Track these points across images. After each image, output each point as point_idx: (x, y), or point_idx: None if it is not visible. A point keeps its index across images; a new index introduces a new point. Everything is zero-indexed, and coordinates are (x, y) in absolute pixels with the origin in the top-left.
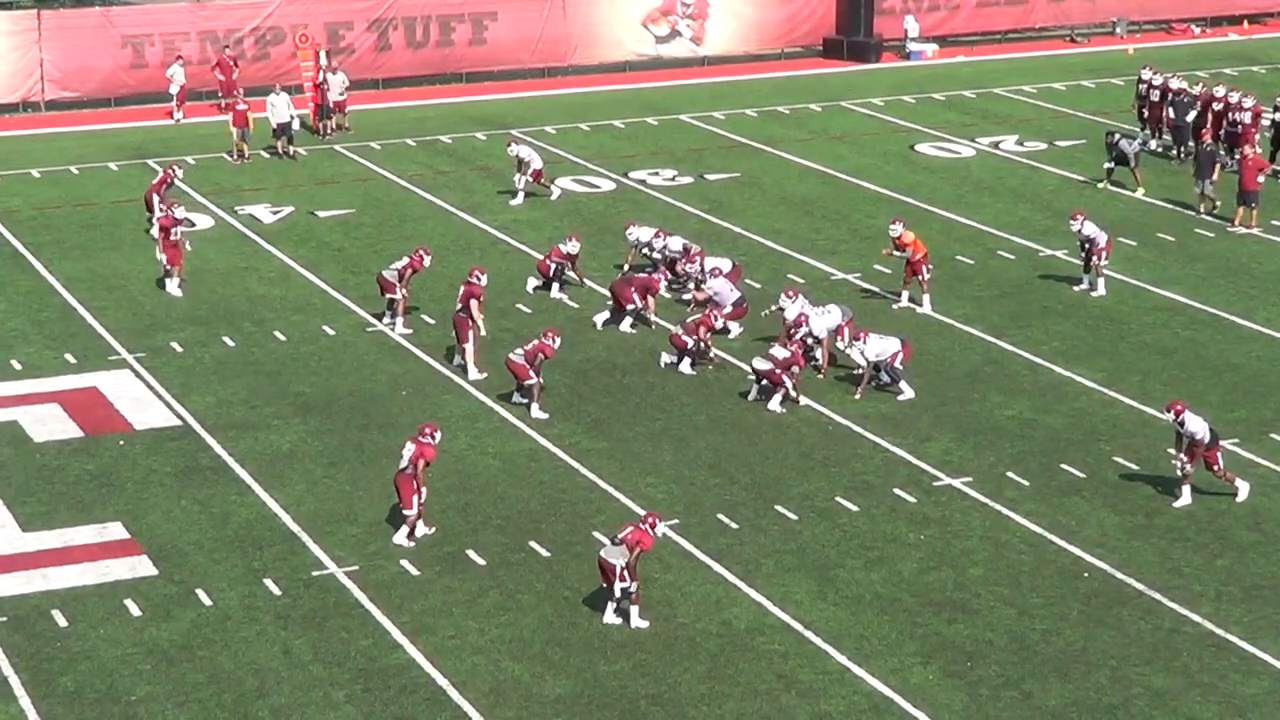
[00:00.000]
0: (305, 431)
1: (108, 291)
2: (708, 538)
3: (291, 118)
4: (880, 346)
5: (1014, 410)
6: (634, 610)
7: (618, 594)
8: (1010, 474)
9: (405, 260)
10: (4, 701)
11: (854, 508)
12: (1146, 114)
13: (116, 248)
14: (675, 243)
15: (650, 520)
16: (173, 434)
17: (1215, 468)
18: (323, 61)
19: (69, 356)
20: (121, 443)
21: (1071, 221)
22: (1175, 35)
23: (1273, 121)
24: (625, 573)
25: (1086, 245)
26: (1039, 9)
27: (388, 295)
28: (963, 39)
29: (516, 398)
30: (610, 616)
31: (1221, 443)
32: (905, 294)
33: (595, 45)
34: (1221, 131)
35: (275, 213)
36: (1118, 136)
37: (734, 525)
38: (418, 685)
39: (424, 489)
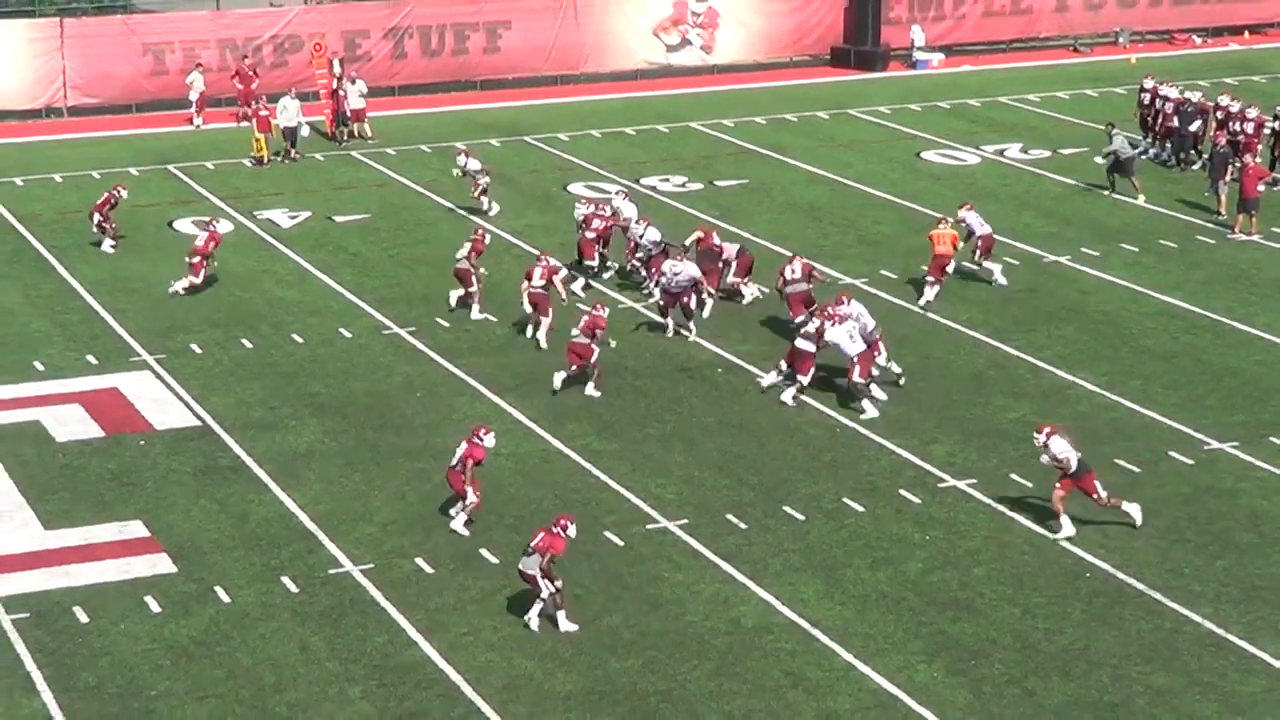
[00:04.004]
0: (322, 432)
1: (129, 294)
2: (717, 538)
3: (300, 123)
4: (841, 338)
5: (1018, 413)
6: (561, 614)
7: (544, 599)
8: (1014, 476)
9: (468, 246)
10: (27, 696)
11: (860, 508)
12: (1150, 122)
13: (137, 251)
14: (653, 234)
15: (561, 523)
16: (192, 434)
17: (1095, 496)
18: (337, 70)
19: (90, 358)
20: (142, 442)
21: (961, 210)
22: (1177, 45)
23: (1272, 130)
24: (543, 579)
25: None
26: (1043, 19)
27: (466, 287)
28: (968, 48)
29: (590, 389)
30: (534, 621)
31: (1093, 471)
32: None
33: (607, 54)
34: (1225, 139)
35: (293, 217)
36: (1116, 129)
37: (743, 525)
38: (432, 681)
39: (470, 487)
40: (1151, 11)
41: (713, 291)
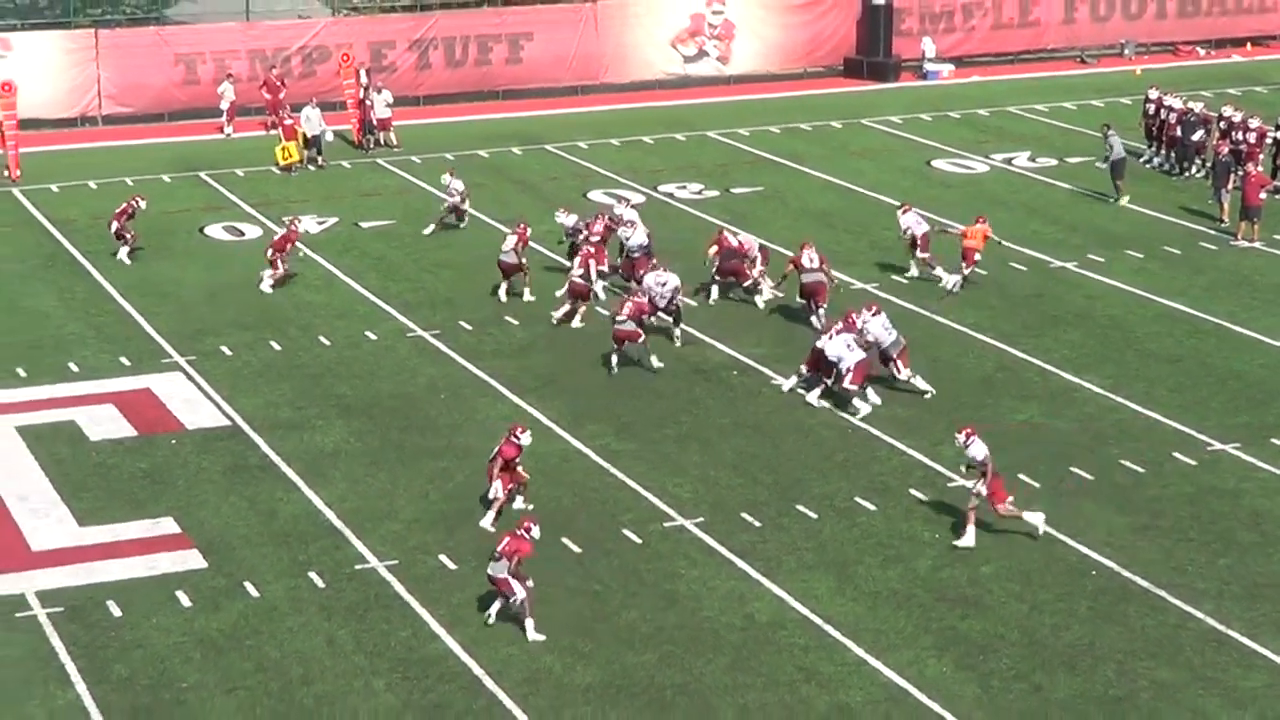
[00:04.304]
0: (348, 432)
1: (160, 298)
2: (732, 535)
3: (322, 131)
4: (840, 349)
5: (1025, 415)
6: (530, 623)
7: (515, 604)
8: (1022, 476)
9: (515, 238)
10: (61, 688)
11: (872, 507)
12: (1155, 132)
13: (169, 256)
14: (640, 237)
15: (525, 525)
16: (222, 434)
17: (999, 505)
18: (364, 79)
19: (123, 359)
20: (173, 442)
21: (900, 212)
22: (1181, 56)
23: (1274, 139)
24: (512, 584)
25: (906, 234)
26: (1050, 31)
27: (510, 278)
28: (978, 60)
29: (653, 361)
30: (493, 618)
31: (1002, 479)
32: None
33: (626, 65)
34: (1227, 149)
35: (320, 223)
36: (1113, 131)
37: (757, 524)
38: (454, 674)
39: (498, 482)
40: (1156, 24)
41: (755, 279)
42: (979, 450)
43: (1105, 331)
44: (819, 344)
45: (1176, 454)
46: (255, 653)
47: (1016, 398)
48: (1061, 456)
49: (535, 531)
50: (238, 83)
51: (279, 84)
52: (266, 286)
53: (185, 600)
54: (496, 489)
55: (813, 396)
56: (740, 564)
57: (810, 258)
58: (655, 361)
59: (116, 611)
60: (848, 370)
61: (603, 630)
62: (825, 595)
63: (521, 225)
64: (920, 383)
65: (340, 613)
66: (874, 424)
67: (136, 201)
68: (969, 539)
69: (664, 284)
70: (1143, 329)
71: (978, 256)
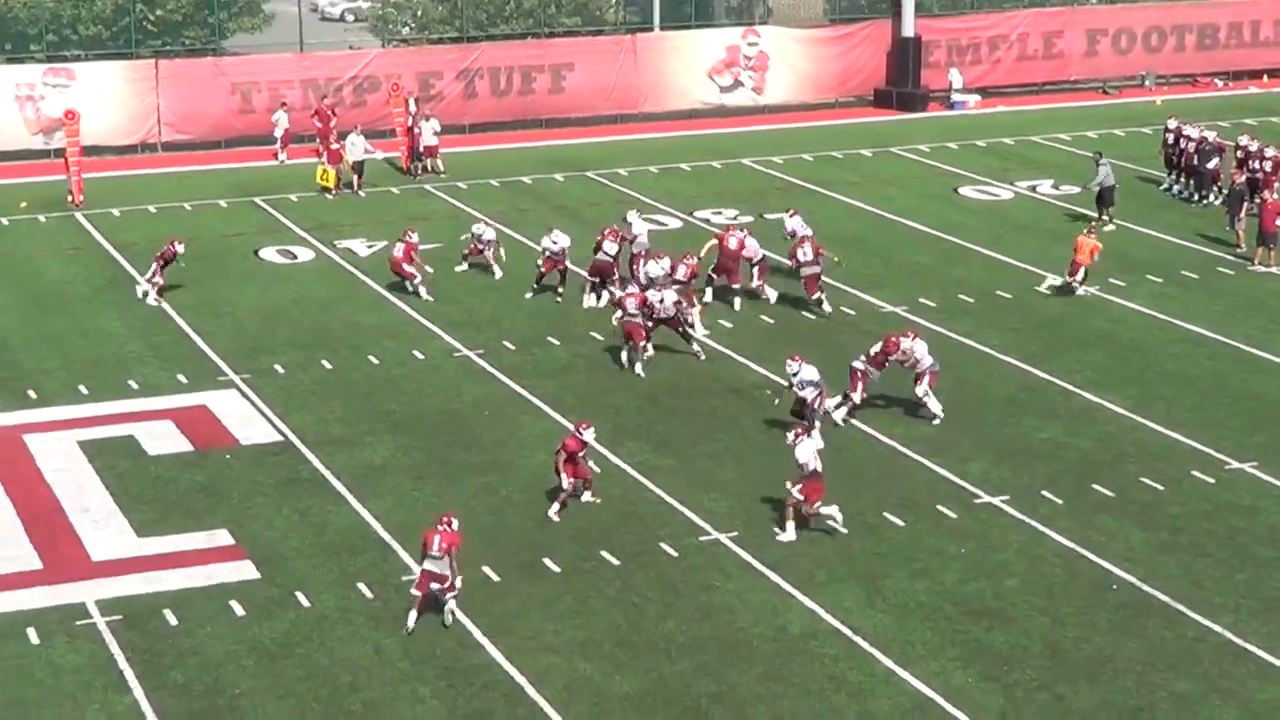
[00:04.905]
0: (396, 447)
1: (216, 318)
2: (765, 549)
3: (366, 153)
4: (812, 375)
5: (1048, 433)
6: (452, 604)
7: (447, 596)
8: (1045, 493)
9: (614, 244)
10: (119, 693)
11: (900, 523)
12: (1175, 160)
13: (225, 277)
14: (653, 261)
15: (445, 520)
16: (275, 449)
17: (812, 504)
18: (412, 108)
19: (181, 377)
20: (228, 457)
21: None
22: (1200, 88)
23: None
24: (453, 578)
25: (791, 236)
26: (1074, 63)
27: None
28: (1003, 90)
29: (639, 369)
30: (449, 618)
31: (821, 482)
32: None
33: (664, 94)
34: (1243, 178)
35: (370, 246)
36: (1103, 159)
37: (790, 538)
38: (497, 682)
39: (563, 473)
40: (1176, 56)
41: (735, 288)
42: (804, 453)
43: (1126, 353)
44: (854, 364)
45: (1195, 472)
46: (306, 660)
47: (1039, 417)
48: (1083, 474)
49: (456, 524)
50: (291, 111)
51: (330, 113)
52: (424, 291)
53: (239, 609)
54: (563, 482)
55: (839, 414)
56: (773, 577)
57: (805, 253)
58: (640, 370)
59: (173, 620)
60: (820, 393)
61: (640, 640)
62: (855, 607)
63: (612, 230)
64: (933, 404)
65: (388, 622)
66: (902, 442)
67: (175, 246)
68: (790, 534)
69: (661, 300)
70: (1162, 351)
71: (1082, 272)
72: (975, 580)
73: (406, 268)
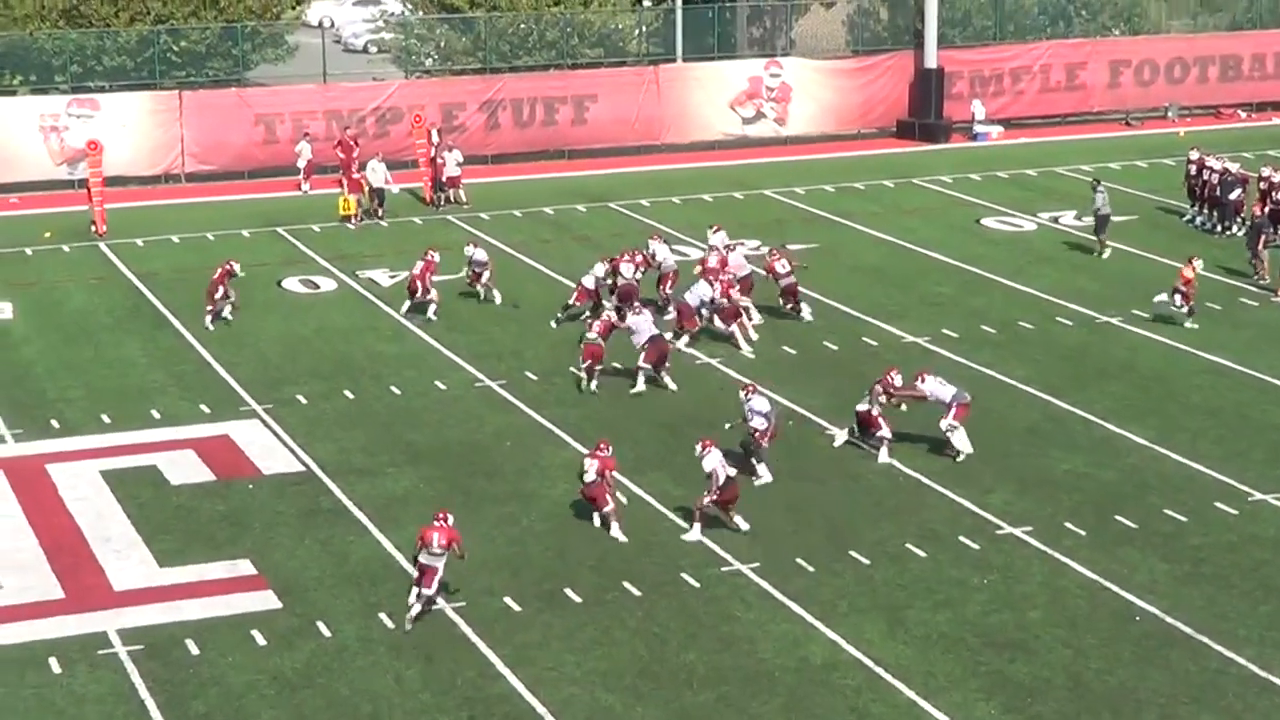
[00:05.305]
0: (417, 478)
1: (239, 348)
2: (787, 580)
3: (386, 183)
4: (763, 406)
5: (1071, 465)
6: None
7: (433, 592)
8: (1068, 524)
9: (632, 266)
10: None
11: (922, 553)
12: (1198, 191)
13: (247, 307)
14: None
15: (442, 514)
16: (297, 479)
17: (728, 512)
18: (435, 139)
19: (203, 407)
20: (250, 486)
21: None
22: (1223, 119)
23: None
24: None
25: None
26: (1097, 94)
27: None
28: (1026, 121)
29: (594, 386)
30: (418, 608)
31: (736, 489)
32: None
33: (687, 126)
34: (1264, 210)
35: (392, 276)
36: (1101, 187)
37: (811, 568)
38: (519, 713)
39: (611, 495)
40: (1199, 87)
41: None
42: (711, 463)
43: (1148, 384)
44: (860, 408)
45: (1218, 504)
46: (327, 690)
47: (1062, 448)
48: (1106, 505)
49: (451, 519)
50: (314, 142)
51: (353, 143)
52: (432, 314)
53: (260, 639)
54: (621, 498)
55: (883, 455)
56: (795, 608)
57: (783, 265)
58: (594, 386)
59: (195, 650)
60: (762, 433)
61: (662, 671)
62: (877, 639)
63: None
64: (958, 440)
65: (409, 652)
66: (923, 473)
67: (232, 265)
68: (695, 534)
69: (634, 333)
70: (1185, 382)
71: (1182, 291)
72: (998, 612)
73: (420, 284)
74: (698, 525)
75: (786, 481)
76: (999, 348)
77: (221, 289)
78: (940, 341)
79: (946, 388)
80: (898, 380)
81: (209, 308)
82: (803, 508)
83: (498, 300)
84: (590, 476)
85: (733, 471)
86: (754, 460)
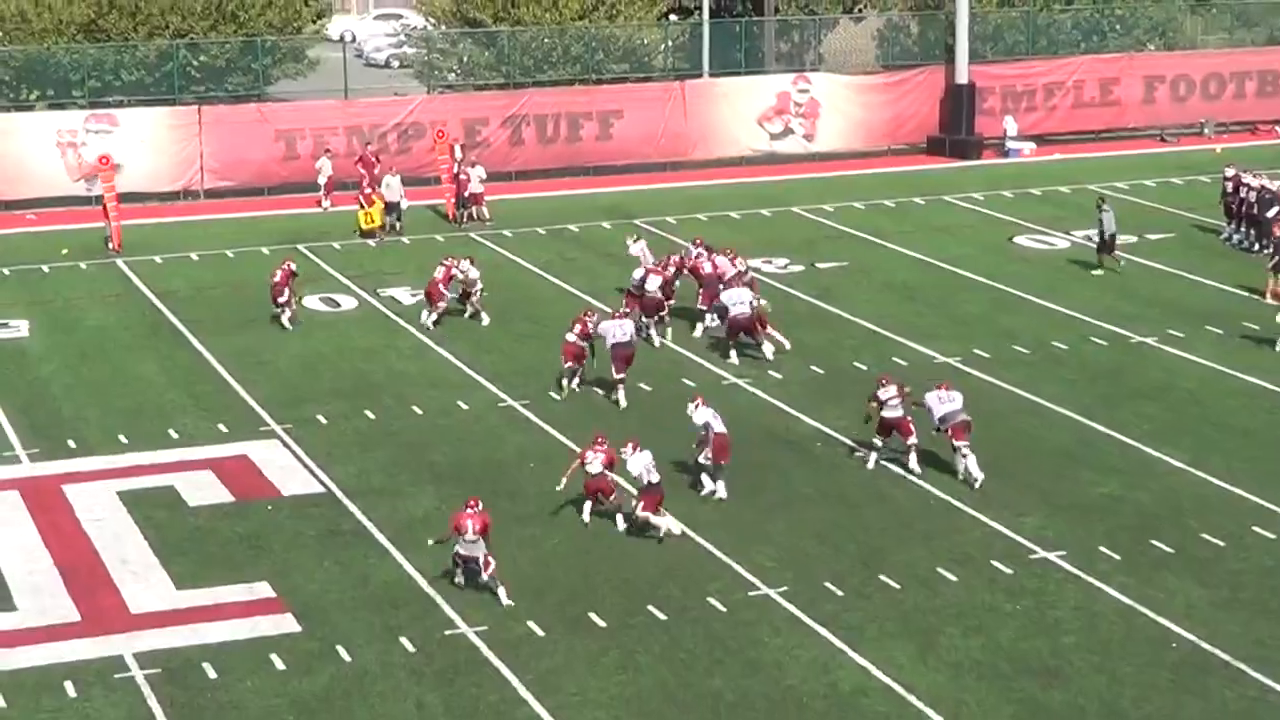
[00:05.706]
0: (439, 498)
1: (259, 367)
2: (815, 604)
3: (401, 198)
4: (705, 416)
5: (1105, 488)
6: (502, 591)
7: (487, 578)
8: (1102, 548)
9: (659, 279)
10: None
11: (953, 578)
12: (1235, 209)
13: (268, 326)
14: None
15: (473, 502)
16: (316, 500)
17: (653, 515)
18: (458, 155)
19: (222, 426)
20: (269, 507)
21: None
22: (1260, 135)
23: None
24: (489, 559)
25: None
26: (1131, 110)
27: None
28: (1059, 138)
29: (576, 384)
30: (504, 599)
31: (661, 495)
32: None
33: (714, 142)
34: None
35: (414, 295)
36: (1106, 206)
37: (840, 593)
38: None
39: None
40: (1235, 103)
41: (705, 308)
42: (637, 465)
43: (1183, 405)
44: (886, 415)
45: (1256, 527)
46: (346, 715)
47: (1096, 470)
48: (1142, 529)
49: (480, 505)
50: (335, 158)
51: (374, 159)
52: (429, 322)
53: (279, 663)
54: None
55: (913, 463)
56: (823, 632)
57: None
58: (577, 385)
59: (212, 673)
60: (709, 440)
61: (688, 697)
62: (908, 664)
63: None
64: (972, 467)
65: (430, 677)
66: (954, 495)
67: (288, 265)
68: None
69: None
70: (1220, 403)
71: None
72: (1031, 638)
73: (441, 289)
74: (707, 478)
75: (815, 504)
76: (1031, 367)
77: (286, 291)
78: (971, 361)
79: (942, 405)
80: (891, 390)
81: (277, 310)
82: (832, 531)
83: (484, 321)
84: (596, 469)
85: (656, 478)
86: (703, 473)
